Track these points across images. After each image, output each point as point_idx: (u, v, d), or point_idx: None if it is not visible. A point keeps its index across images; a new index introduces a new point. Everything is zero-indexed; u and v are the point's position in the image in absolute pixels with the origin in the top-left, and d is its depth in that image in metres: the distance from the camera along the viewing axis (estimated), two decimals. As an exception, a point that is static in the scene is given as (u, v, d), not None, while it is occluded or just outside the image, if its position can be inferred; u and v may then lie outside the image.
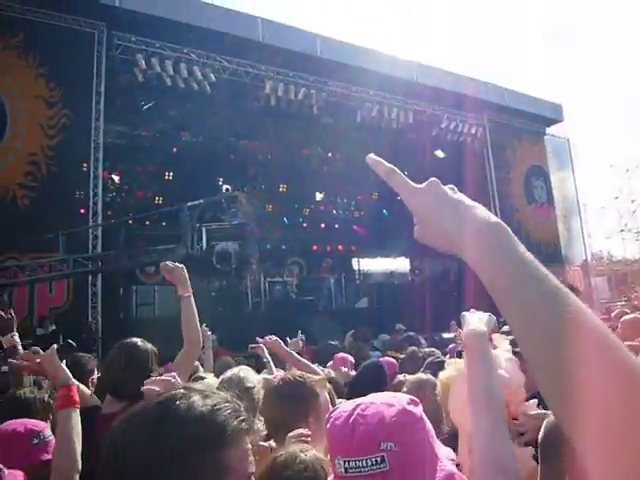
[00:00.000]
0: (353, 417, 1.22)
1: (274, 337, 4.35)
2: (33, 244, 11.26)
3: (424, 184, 0.97)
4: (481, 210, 0.89)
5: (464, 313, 1.86)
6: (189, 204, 10.91)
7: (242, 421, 1.03)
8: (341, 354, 5.24)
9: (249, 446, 1.05)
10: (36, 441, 2.52)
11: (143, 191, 18.03)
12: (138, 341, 3.19)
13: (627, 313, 6.35)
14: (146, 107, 16.71)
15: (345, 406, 1.30)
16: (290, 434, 2.06)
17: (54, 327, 11.57)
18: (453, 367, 2.10)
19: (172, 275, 3.31)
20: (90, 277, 12.38)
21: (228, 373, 2.94)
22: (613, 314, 8.25)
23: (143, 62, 14.33)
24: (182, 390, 1.04)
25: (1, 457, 2.29)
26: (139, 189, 18.07)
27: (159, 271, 14.25)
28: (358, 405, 1.26)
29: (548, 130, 23.72)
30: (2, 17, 12.94)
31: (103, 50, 14.13)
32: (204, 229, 11.43)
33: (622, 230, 31.55)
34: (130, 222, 16.54)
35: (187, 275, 3.32)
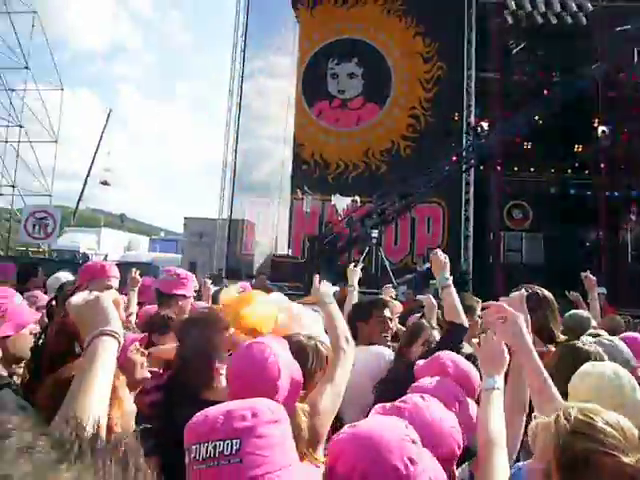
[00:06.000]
0: None
1: None
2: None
3: None
4: None
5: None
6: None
7: None
8: None
9: None
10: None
11: (512, 137, 17.80)
12: None
13: None
14: (516, 50, 16.34)
15: None
16: None
17: (429, 265, 12.64)
18: None
19: None
20: (464, 220, 13.10)
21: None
22: None
23: (513, 3, 14.05)
24: None
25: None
26: (507, 135, 17.89)
27: (527, 216, 14.19)
28: None
29: None
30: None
31: (473, -1, 14.38)
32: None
33: None
34: (499, 168, 16.69)
35: None
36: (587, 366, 1.97)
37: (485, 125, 17.89)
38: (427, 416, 1.54)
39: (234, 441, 1.09)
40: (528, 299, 2.95)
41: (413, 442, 1.23)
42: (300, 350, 2.11)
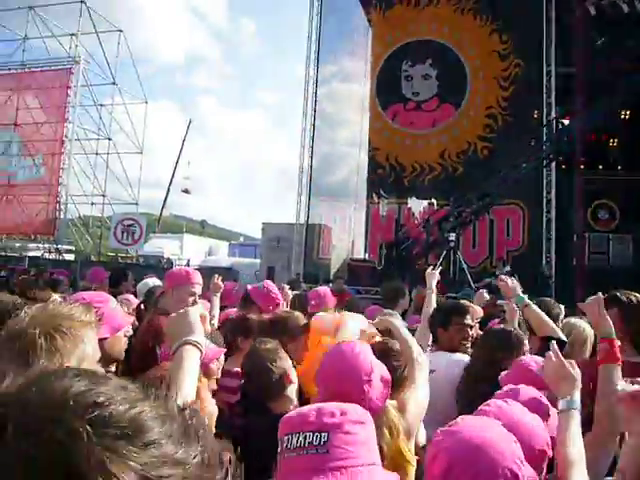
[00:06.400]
0: None
1: None
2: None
3: None
4: None
5: None
6: None
7: None
8: None
9: None
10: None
11: (595, 133, 17.02)
12: None
13: None
14: (599, 42, 15.61)
15: None
16: None
17: (509, 268, 12.31)
18: None
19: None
20: (545, 222, 12.67)
21: None
22: None
23: (596, -7, 13.49)
24: None
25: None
26: (590, 131, 17.13)
27: (614, 216, 13.51)
28: None
29: None
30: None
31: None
32: None
33: None
34: (582, 167, 15.98)
35: None
36: None
37: (566, 122, 17.25)
38: (514, 417, 1.55)
39: (323, 434, 1.18)
40: (622, 306, 2.84)
41: (515, 442, 1.29)
42: (392, 356, 2.18)
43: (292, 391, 2.35)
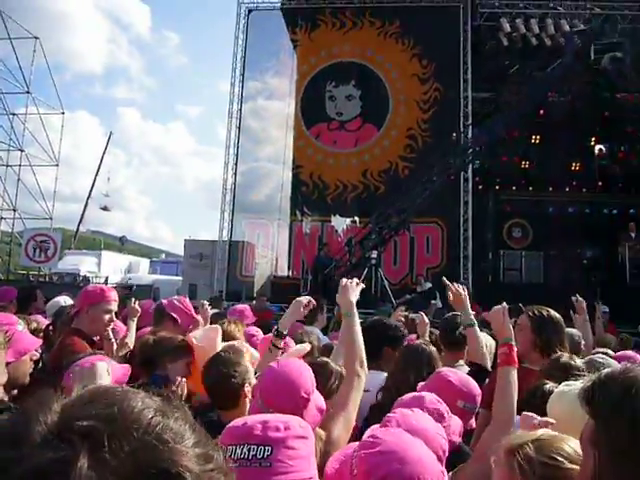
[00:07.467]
0: None
1: None
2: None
3: None
4: None
5: None
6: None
7: None
8: None
9: None
10: None
11: (508, 156, 17.97)
12: None
13: None
14: (511, 71, 16.53)
15: None
16: None
17: (430, 285, 12.70)
18: None
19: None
20: (462, 240, 13.17)
21: None
22: None
23: (507, 25, 14.30)
24: None
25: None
26: (504, 154, 18.07)
27: (527, 234, 14.20)
28: None
29: None
30: (382, 9, 14.63)
31: (469, 21, 14.63)
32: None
33: None
34: (497, 187, 16.79)
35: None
36: (563, 386, 1.96)
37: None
38: (413, 422, 1.63)
39: (266, 447, 1.21)
40: (532, 320, 3.02)
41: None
42: (324, 370, 2.17)
43: (245, 404, 2.21)
